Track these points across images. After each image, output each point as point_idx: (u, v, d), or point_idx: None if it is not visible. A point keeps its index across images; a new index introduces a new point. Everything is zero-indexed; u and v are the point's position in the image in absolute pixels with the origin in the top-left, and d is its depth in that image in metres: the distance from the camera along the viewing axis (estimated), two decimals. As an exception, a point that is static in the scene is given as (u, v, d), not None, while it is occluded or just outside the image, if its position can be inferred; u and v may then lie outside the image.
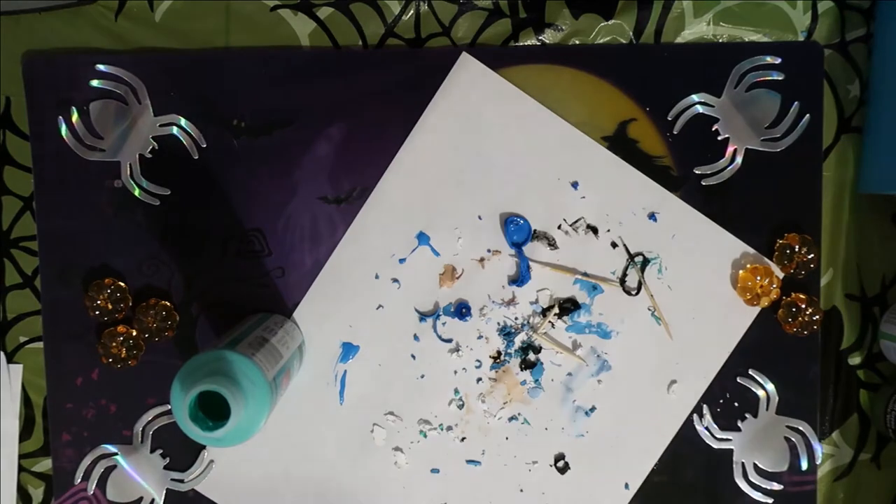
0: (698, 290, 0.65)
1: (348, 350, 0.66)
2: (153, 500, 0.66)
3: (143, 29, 0.65)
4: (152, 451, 0.65)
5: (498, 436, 0.66)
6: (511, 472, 0.66)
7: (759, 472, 0.66)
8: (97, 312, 0.64)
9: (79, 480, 0.65)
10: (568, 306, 0.65)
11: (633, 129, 0.65)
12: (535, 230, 0.65)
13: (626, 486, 0.66)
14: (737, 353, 0.66)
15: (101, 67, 0.64)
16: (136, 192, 0.64)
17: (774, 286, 0.64)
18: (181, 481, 0.66)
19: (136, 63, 0.64)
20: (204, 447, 0.66)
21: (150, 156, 0.64)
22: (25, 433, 0.66)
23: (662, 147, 0.65)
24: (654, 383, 0.66)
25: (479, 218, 0.65)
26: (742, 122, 0.65)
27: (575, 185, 0.65)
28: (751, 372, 0.66)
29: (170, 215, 0.65)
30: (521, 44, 0.65)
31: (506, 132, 0.65)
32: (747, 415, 0.66)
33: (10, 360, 0.66)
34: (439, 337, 0.66)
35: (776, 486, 0.66)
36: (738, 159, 0.65)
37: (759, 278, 0.64)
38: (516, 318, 0.66)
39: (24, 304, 0.66)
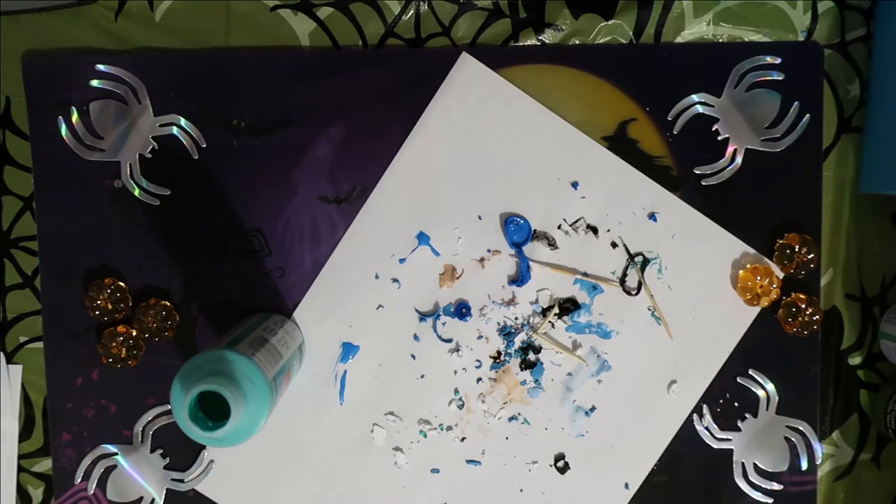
0: (698, 290, 0.65)
1: (348, 350, 0.66)
2: (153, 500, 0.66)
3: (143, 29, 0.65)
4: (152, 451, 0.65)
5: (498, 436, 0.66)
6: (511, 472, 0.66)
7: (759, 472, 0.66)
8: (97, 312, 0.64)
9: (79, 480, 0.65)
10: (568, 306, 0.65)
11: (633, 129, 0.65)
12: (535, 230, 0.65)
13: (626, 486, 0.66)
14: (737, 353, 0.66)
15: (101, 67, 0.64)
16: (136, 192, 0.64)
17: (774, 286, 0.64)
18: (181, 481, 0.66)
19: (136, 63, 0.64)
20: (204, 447, 0.66)
21: (150, 156, 0.64)
22: (25, 433, 0.66)
23: (662, 147, 0.65)
24: (654, 383, 0.66)
25: (479, 218, 0.65)
26: (742, 122, 0.65)
27: (575, 185, 0.65)
28: (751, 372, 0.66)
29: (170, 215, 0.65)
30: (521, 44, 0.65)
31: (506, 132, 0.65)
32: (747, 415, 0.66)
33: (10, 360, 0.66)
34: (439, 337, 0.66)
35: (776, 486, 0.66)
36: (738, 159, 0.65)
37: (759, 278, 0.64)
38: (516, 318, 0.66)
39: (24, 304, 0.66)
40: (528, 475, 0.66)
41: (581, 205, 0.65)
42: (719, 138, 0.65)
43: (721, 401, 0.66)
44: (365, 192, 0.65)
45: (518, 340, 0.66)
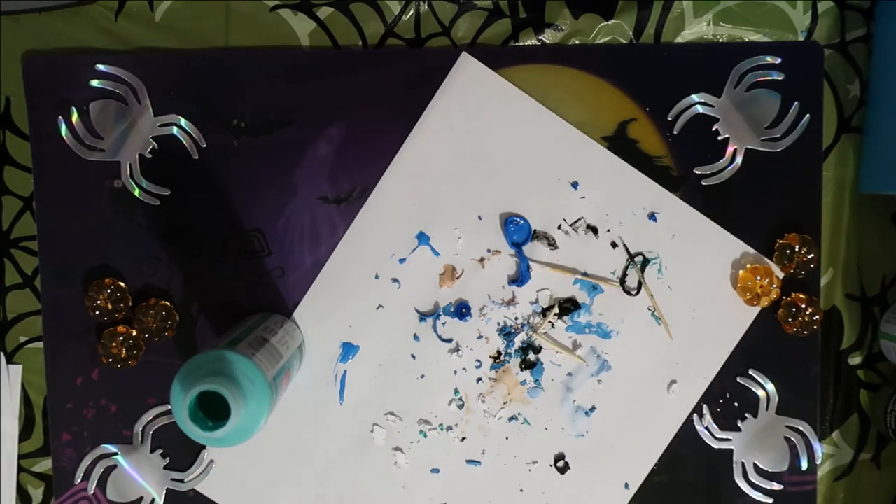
0: (698, 290, 0.65)
1: (348, 350, 0.66)
2: (153, 500, 0.66)
3: (143, 29, 0.65)
4: (152, 451, 0.66)
5: (498, 436, 0.66)
6: (511, 472, 0.66)
7: (759, 472, 0.66)
8: (97, 312, 0.64)
9: (79, 480, 0.65)
10: (568, 306, 0.65)
11: (633, 129, 0.65)
12: (535, 230, 0.65)
13: (626, 486, 0.66)
14: (737, 353, 0.66)
15: (101, 67, 0.64)
16: (136, 192, 0.64)
17: (774, 286, 0.64)
18: (181, 481, 0.66)
19: (136, 63, 0.64)
20: (204, 447, 0.66)
21: (150, 156, 0.64)
22: (25, 433, 0.66)
23: (662, 147, 0.65)
24: (654, 383, 0.66)
25: (479, 218, 0.65)
26: (742, 122, 0.65)
27: (575, 185, 0.65)
28: (751, 372, 0.66)
29: (170, 215, 0.65)
30: (521, 44, 0.65)
31: (506, 132, 0.65)
32: (747, 415, 0.66)
33: (10, 360, 0.66)
34: (439, 337, 0.66)
35: (776, 486, 0.66)
36: (738, 159, 0.65)
37: (759, 278, 0.64)
38: (516, 318, 0.66)
39: (24, 304, 0.66)
40: (528, 475, 0.66)
41: (581, 205, 0.65)
42: (719, 138, 0.65)
43: (721, 401, 0.66)
44: (365, 192, 0.65)
45: (518, 340, 0.66)
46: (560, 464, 0.66)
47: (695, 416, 0.66)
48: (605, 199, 0.65)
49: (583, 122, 0.65)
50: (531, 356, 0.66)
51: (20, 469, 0.67)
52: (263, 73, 0.64)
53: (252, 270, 0.65)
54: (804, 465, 0.66)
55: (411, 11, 0.65)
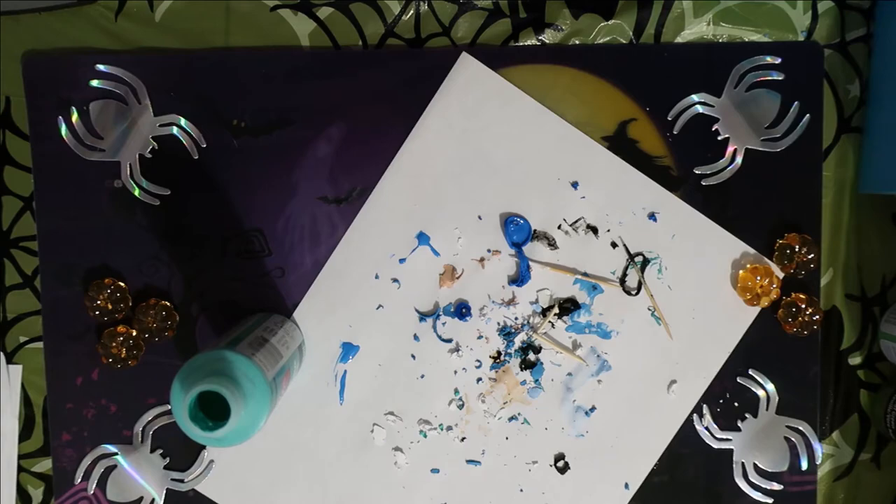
0: (698, 290, 0.65)
1: (348, 350, 0.66)
2: (153, 500, 0.66)
3: (143, 29, 0.65)
4: (152, 451, 0.66)
5: (498, 436, 0.66)
6: (511, 472, 0.66)
7: (759, 472, 0.66)
8: (97, 312, 0.64)
9: (79, 480, 0.65)
10: (568, 306, 0.65)
11: (633, 129, 0.65)
12: (535, 230, 0.65)
13: (626, 486, 0.66)
14: (737, 353, 0.66)
15: (101, 67, 0.64)
16: (136, 192, 0.64)
17: (774, 286, 0.64)
18: (181, 481, 0.66)
19: (136, 63, 0.64)
20: (204, 447, 0.66)
21: (150, 156, 0.64)
22: (25, 433, 0.66)
23: (662, 147, 0.65)
24: (654, 383, 0.66)
25: (479, 218, 0.65)
26: (742, 122, 0.65)
27: (575, 185, 0.65)
28: (751, 372, 0.66)
29: (170, 215, 0.65)
30: (521, 44, 0.65)
31: (506, 132, 0.65)
32: (747, 415, 0.66)
33: (10, 361, 0.66)
34: (439, 337, 0.66)
35: (776, 486, 0.66)
36: (738, 159, 0.65)
37: (759, 278, 0.64)
38: (516, 318, 0.66)
39: (24, 304, 0.66)
40: (528, 475, 0.66)
41: (581, 205, 0.65)
42: (719, 138, 0.65)
43: (721, 401, 0.66)
44: (365, 192, 0.65)
45: (518, 340, 0.66)
46: (560, 464, 0.66)
47: (695, 416, 0.66)
48: (605, 199, 0.65)
49: (583, 122, 0.65)
50: (531, 356, 0.66)
51: (20, 469, 0.67)
52: (263, 73, 0.64)
53: (252, 270, 0.65)
54: (804, 465, 0.66)
55: (411, 11, 0.65)
